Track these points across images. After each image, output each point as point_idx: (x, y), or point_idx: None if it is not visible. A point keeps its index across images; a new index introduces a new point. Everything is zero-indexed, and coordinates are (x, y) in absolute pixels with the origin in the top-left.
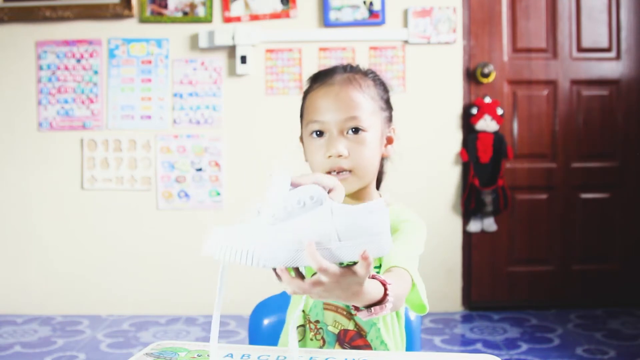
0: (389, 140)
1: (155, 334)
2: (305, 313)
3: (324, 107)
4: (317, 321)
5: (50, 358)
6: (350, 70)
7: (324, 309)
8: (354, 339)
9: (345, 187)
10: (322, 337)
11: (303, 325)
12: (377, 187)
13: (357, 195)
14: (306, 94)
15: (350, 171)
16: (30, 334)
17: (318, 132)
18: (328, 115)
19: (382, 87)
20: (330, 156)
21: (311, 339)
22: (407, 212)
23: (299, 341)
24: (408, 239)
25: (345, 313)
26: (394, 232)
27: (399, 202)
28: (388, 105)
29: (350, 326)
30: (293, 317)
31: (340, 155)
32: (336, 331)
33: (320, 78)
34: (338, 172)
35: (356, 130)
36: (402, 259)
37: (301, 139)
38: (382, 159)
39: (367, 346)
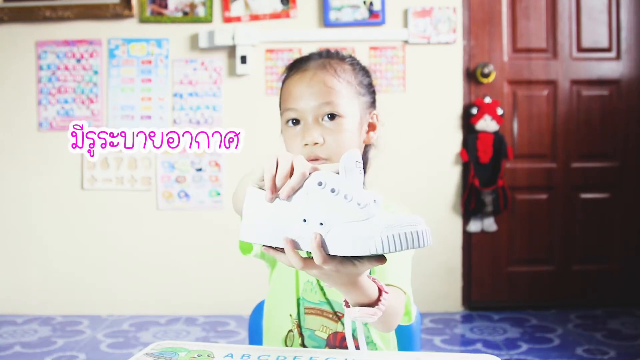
0: (371, 127)
1: (155, 334)
2: (292, 317)
3: (298, 94)
4: (299, 326)
5: (50, 358)
6: (327, 56)
7: (306, 313)
8: (344, 340)
9: None
10: (303, 342)
11: (292, 330)
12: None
13: None
14: (283, 82)
15: (327, 160)
16: (30, 334)
17: (294, 121)
18: (302, 102)
19: (362, 71)
20: (306, 144)
21: (301, 345)
22: (393, 205)
23: (289, 347)
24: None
25: (331, 316)
26: None
27: (391, 198)
28: (368, 90)
29: (339, 328)
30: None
31: (315, 143)
32: (325, 335)
33: (295, 65)
34: (314, 161)
35: (332, 116)
36: (395, 275)
37: (281, 131)
38: (366, 146)
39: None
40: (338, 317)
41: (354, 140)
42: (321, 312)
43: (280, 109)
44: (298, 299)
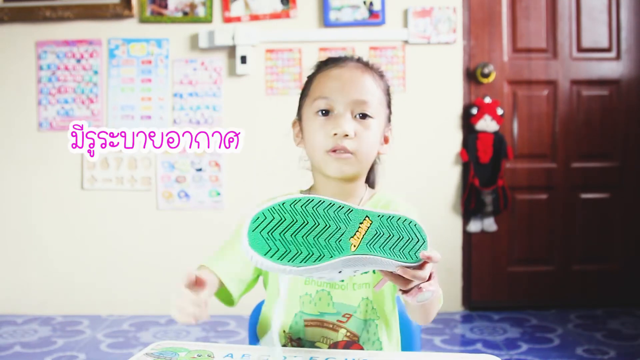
0: (386, 140)
1: (155, 334)
2: (286, 332)
3: (335, 87)
4: (299, 339)
5: (50, 358)
6: (363, 62)
7: (306, 326)
8: (346, 347)
9: (345, 169)
10: None
11: (285, 345)
12: (372, 187)
13: (347, 187)
14: (314, 75)
15: (352, 153)
16: (30, 334)
17: (324, 111)
18: (338, 94)
19: (388, 86)
20: (335, 134)
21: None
22: (398, 197)
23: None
24: None
25: (332, 326)
26: None
27: (395, 194)
28: (389, 105)
29: (339, 337)
30: (274, 318)
31: (346, 135)
32: (326, 347)
33: (332, 61)
34: (337, 151)
35: (364, 115)
36: None
37: (294, 123)
38: (377, 156)
39: (362, 348)
40: (340, 326)
41: (376, 144)
42: (321, 324)
43: (302, 100)
44: (295, 314)
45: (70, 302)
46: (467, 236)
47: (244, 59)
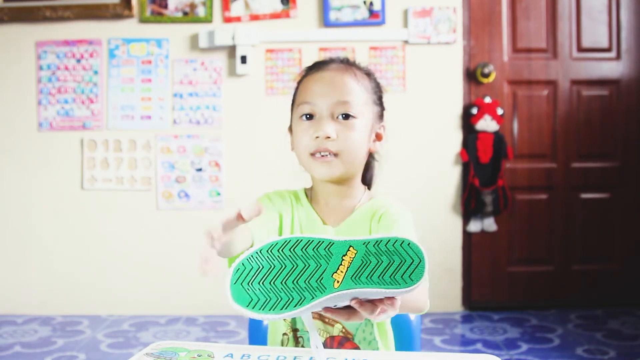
0: (378, 137)
1: (155, 334)
2: (287, 322)
3: (317, 90)
4: (297, 329)
5: (50, 358)
6: (347, 62)
7: None
8: (341, 343)
9: (329, 170)
10: (302, 346)
11: (286, 334)
12: (369, 189)
13: (341, 188)
14: (301, 80)
15: (335, 155)
16: (30, 334)
17: (308, 115)
18: (320, 98)
19: (376, 84)
20: (317, 137)
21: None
22: (390, 201)
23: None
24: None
25: (328, 320)
26: (378, 221)
27: (387, 195)
28: (380, 103)
29: (335, 332)
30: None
31: (328, 137)
32: (322, 340)
33: (316, 66)
34: (322, 155)
35: (347, 115)
36: None
37: (289, 129)
38: (371, 155)
39: (356, 349)
40: (335, 320)
41: (363, 143)
42: (319, 316)
43: (292, 106)
44: None
45: (70, 302)
46: (467, 236)
47: (244, 59)
